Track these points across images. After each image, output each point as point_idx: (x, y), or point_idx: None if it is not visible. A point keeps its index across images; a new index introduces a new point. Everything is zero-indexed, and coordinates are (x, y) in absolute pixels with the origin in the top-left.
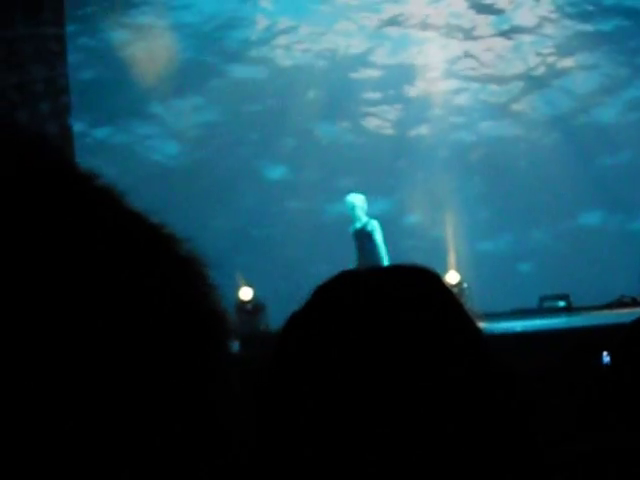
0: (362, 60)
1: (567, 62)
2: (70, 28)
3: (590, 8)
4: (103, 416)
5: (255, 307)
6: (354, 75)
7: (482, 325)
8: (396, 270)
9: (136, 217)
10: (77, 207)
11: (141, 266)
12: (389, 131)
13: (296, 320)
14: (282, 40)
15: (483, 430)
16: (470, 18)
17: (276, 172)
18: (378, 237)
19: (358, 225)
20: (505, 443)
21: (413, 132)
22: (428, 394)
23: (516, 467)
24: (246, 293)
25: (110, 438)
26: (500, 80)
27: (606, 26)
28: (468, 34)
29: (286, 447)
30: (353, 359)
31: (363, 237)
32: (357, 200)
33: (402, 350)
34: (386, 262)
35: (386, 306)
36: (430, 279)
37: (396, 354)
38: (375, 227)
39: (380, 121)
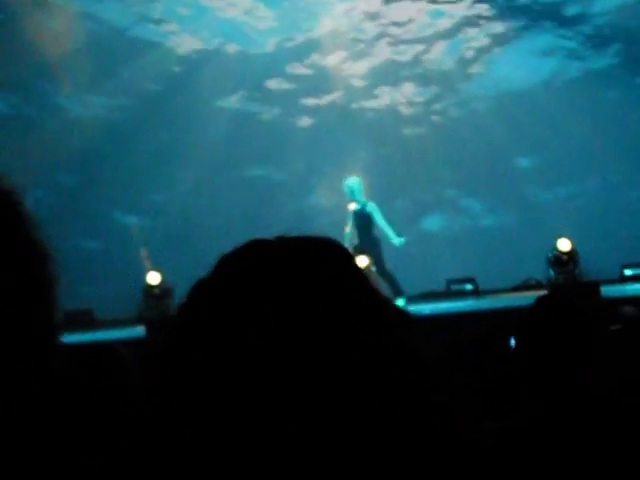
0: None
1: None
2: None
3: None
4: None
5: (163, 291)
6: None
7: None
8: (304, 241)
9: None
10: None
11: None
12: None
13: (200, 287)
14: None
15: (383, 403)
16: None
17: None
18: (378, 217)
19: (358, 207)
20: (407, 418)
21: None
22: (329, 363)
23: (415, 439)
24: (154, 277)
25: None
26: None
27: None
28: None
29: (188, 417)
30: (255, 326)
31: (364, 218)
32: (355, 183)
33: (304, 318)
34: (379, 241)
35: (290, 274)
36: (337, 251)
37: (298, 322)
38: (374, 208)
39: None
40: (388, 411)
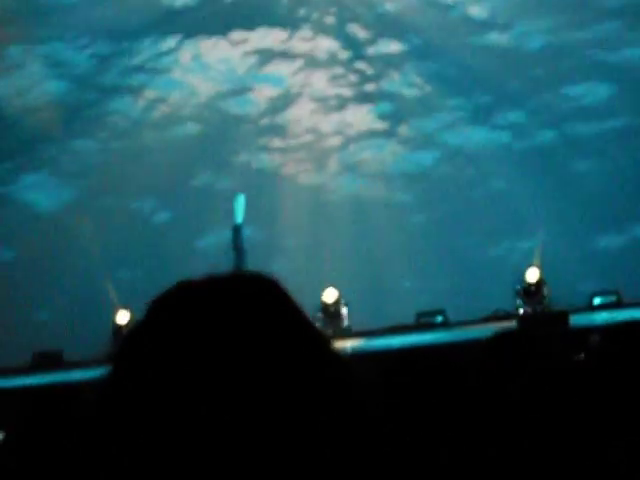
0: None
1: None
2: None
3: None
4: None
5: None
6: None
7: (359, 342)
8: (233, 279)
9: None
10: None
11: None
12: None
13: (133, 338)
14: None
15: (311, 438)
16: None
17: None
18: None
19: (240, 220)
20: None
21: None
22: (262, 402)
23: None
24: (123, 317)
25: None
26: None
27: None
28: None
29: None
30: (192, 376)
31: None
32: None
33: (238, 359)
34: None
35: (223, 318)
36: (268, 287)
37: (232, 363)
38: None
39: None
40: (318, 448)
